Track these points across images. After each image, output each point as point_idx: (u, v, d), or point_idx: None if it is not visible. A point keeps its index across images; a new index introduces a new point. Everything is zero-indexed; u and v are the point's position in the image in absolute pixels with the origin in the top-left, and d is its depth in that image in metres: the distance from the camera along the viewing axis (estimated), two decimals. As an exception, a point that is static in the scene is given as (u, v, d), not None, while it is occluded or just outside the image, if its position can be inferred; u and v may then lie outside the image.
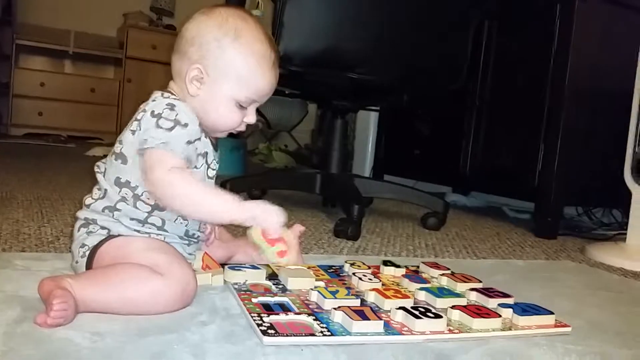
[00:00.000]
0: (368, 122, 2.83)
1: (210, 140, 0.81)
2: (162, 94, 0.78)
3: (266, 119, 3.34)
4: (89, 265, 0.74)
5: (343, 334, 0.66)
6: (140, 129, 0.74)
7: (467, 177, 2.04)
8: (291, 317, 0.69)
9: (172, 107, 0.75)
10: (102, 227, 0.75)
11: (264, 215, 0.76)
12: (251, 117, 0.82)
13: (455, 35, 1.59)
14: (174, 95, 0.79)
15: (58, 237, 1.07)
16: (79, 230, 0.77)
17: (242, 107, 0.80)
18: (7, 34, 4.04)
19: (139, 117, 0.75)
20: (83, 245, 0.76)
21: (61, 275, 0.68)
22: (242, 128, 0.83)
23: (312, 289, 0.79)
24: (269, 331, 0.64)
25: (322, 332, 0.65)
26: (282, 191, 2.03)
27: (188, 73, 0.77)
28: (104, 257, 0.74)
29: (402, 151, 2.44)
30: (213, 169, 0.83)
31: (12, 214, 1.25)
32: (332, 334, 0.65)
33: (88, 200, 0.78)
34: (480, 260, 1.24)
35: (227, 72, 0.77)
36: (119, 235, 0.75)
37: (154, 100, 0.77)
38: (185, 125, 0.74)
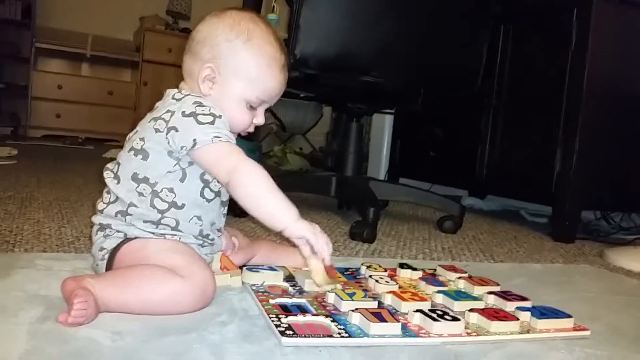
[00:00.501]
0: (383, 125, 2.82)
1: None
2: (181, 91, 0.79)
3: (281, 122, 3.35)
4: (109, 268, 0.75)
5: (361, 335, 0.66)
6: (177, 130, 0.74)
7: (483, 181, 2.03)
8: (309, 318, 0.69)
9: (200, 104, 0.76)
10: (118, 231, 0.76)
11: (314, 243, 0.76)
12: (260, 118, 0.83)
13: (471, 39, 1.59)
14: (189, 91, 0.79)
15: (78, 238, 1.09)
16: (96, 234, 0.78)
17: (252, 107, 0.81)
18: (26, 37, 4.11)
19: (166, 118, 0.75)
20: (102, 249, 0.77)
21: (83, 275, 0.69)
22: (251, 129, 0.84)
23: (329, 291, 0.79)
24: (287, 332, 0.64)
25: (339, 333, 0.66)
26: (298, 194, 2.03)
27: (200, 73, 0.79)
28: (123, 259, 0.74)
29: (417, 154, 2.43)
30: None
31: (32, 215, 1.27)
32: (349, 336, 0.65)
33: (100, 205, 0.79)
34: (498, 264, 1.23)
35: (239, 72, 0.79)
36: (135, 238, 0.75)
37: (176, 99, 0.78)
38: (220, 116, 0.76)
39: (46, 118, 4.18)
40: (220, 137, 0.74)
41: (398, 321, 0.69)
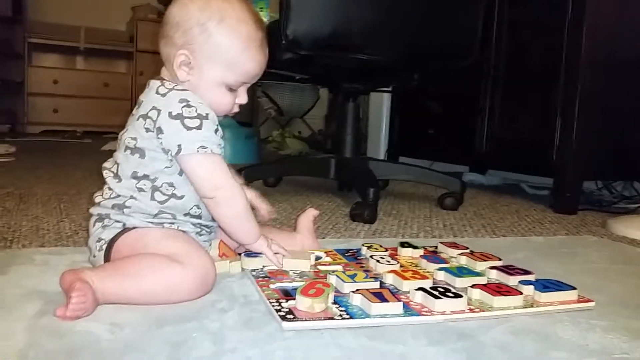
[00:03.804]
0: (381, 104, 2.80)
1: None
2: (164, 84, 0.77)
3: (278, 106, 3.33)
4: (107, 259, 0.75)
5: (362, 316, 0.65)
6: (162, 132, 0.73)
7: (483, 155, 2.01)
8: (310, 301, 0.69)
9: (187, 103, 0.74)
10: (117, 221, 0.76)
11: (269, 256, 0.82)
12: (243, 98, 0.81)
13: (465, 10, 1.56)
14: (173, 83, 0.77)
15: (77, 231, 1.08)
16: (94, 225, 0.78)
17: (232, 89, 0.79)
18: (19, 32, 4.08)
19: (153, 117, 0.74)
20: (99, 240, 0.76)
21: (82, 268, 0.69)
22: (236, 109, 0.82)
23: (330, 274, 0.78)
24: (288, 316, 0.63)
25: (340, 315, 0.65)
26: (297, 177, 2.02)
27: (175, 59, 0.76)
28: (121, 249, 0.74)
29: (417, 132, 2.41)
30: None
31: (31, 211, 1.26)
32: (351, 317, 0.65)
33: (98, 198, 0.78)
34: (500, 239, 1.23)
35: (214, 56, 0.76)
36: (134, 227, 0.75)
37: (160, 94, 0.75)
38: (207, 116, 0.75)
39: (44, 113, 4.17)
40: (206, 148, 0.73)
41: (400, 300, 0.69)
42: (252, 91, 3.54)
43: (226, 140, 0.89)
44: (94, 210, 0.79)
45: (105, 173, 0.79)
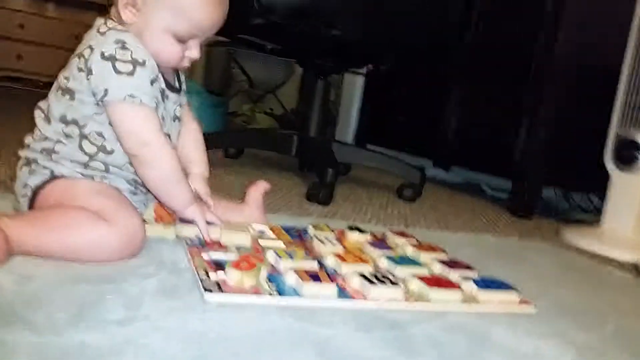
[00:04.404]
0: (354, 88, 2.76)
1: (166, 80, 0.75)
2: (106, 23, 0.71)
3: (249, 77, 3.26)
4: (31, 206, 0.70)
5: (292, 295, 0.62)
6: (92, 72, 0.67)
7: (448, 151, 2.00)
8: (241, 275, 0.65)
9: (123, 44, 0.68)
10: (44, 167, 0.70)
11: (201, 227, 0.76)
12: (195, 52, 0.75)
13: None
14: (118, 24, 0.71)
15: (12, 178, 1.02)
16: (21, 169, 0.73)
17: (182, 40, 0.73)
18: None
19: (86, 55, 0.69)
20: (25, 185, 0.71)
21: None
22: (186, 64, 0.76)
23: (267, 249, 0.75)
24: (212, 288, 0.60)
25: (270, 292, 0.62)
26: (260, 153, 1.97)
27: None
28: (47, 198, 0.69)
29: (386, 121, 2.38)
30: (177, 114, 0.79)
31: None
32: (280, 295, 0.61)
33: (28, 140, 0.74)
34: (450, 234, 1.21)
35: (165, 1, 0.70)
36: (62, 176, 0.70)
37: (100, 33, 0.70)
38: (144, 63, 0.69)
39: (6, 59, 3.99)
40: (134, 97, 0.67)
41: (335, 282, 0.66)
42: (226, 61, 3.46)
43: (191, 106, 0.84)
44: (22, 153, 0.74)
45: (37, 113, 0.73)
